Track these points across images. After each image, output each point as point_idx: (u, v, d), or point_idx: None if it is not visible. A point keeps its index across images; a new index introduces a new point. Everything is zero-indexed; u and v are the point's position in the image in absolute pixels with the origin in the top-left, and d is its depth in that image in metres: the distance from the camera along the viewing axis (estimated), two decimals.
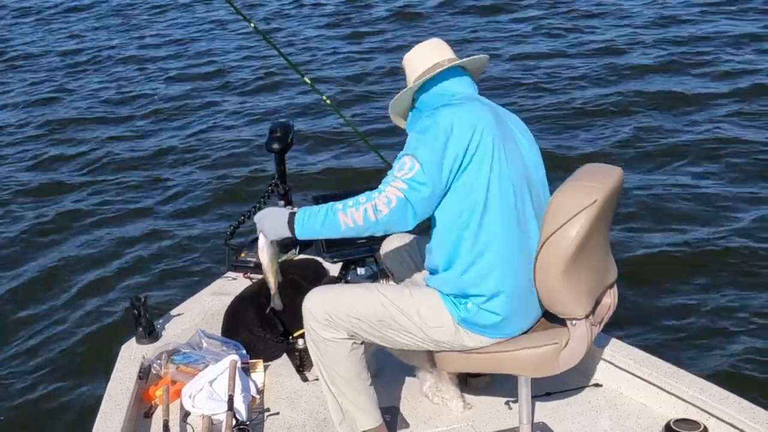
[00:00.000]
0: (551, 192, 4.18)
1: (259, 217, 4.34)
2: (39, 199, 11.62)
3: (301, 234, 4.13)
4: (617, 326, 4.97)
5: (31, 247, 10.19)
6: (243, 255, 6.30)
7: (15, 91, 16.57)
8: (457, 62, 4.38)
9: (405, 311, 4.24)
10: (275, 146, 6.21)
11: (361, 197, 3.99)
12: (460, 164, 4.03)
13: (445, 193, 4.07)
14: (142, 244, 9.94)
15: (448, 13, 18.43)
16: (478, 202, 4.08)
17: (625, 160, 10.87)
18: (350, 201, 4.01)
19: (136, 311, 5.58)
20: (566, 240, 3.97)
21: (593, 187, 4.04)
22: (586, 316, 4.18)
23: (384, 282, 4.99)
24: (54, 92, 16.17)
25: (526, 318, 4.31)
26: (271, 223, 4.25)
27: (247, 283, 6.05)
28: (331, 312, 4.25)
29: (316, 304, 4.29)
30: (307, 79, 6.68)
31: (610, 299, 4.48)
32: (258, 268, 6.11)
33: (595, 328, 4.35)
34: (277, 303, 4.71)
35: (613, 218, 4.41)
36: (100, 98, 15.55)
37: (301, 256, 6.17)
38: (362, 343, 4.36)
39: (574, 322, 4.18)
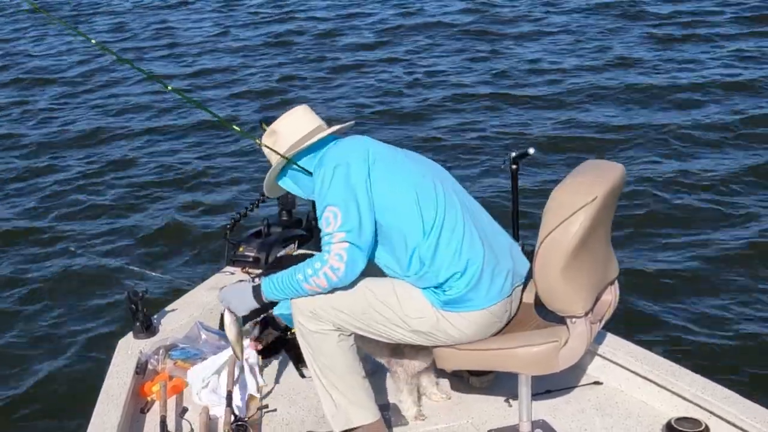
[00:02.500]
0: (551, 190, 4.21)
1: (223, 297, 4.57)
2: (36, 191, 11.64)
3: (274, 303, 4.63)
4: (618, 323, 4.96)
5: (26, 241, 10.21)
6: (241, 249, 6.32)
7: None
8: (332, 129, 4.60)
9: (387, 303, 4.31)
10: None
11: (315, 263, 4.21)
12: (371, 185, 4.25)
13: (379, 219, 4.26)
14: (139, 238, 9.96)
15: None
16: (410, 206, 4.28)
17: (626, 150, 10.92)
18: (308, 269, 4.23)
19: (133, 305, 5.60)
20: (566, 237, 3.98)
21: (593, 183, 4.05)
22: (586, 314, 4.19)
23: None
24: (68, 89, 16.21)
25: (506, 274, 4.37)
26: (237, 300, 4.50)
27: (246, 277, 6.07)
28: (316, 304, 4.32)
29: (302, 298, 4.35)
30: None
31: (611, 296, 4.50)
32: (256, 262, 6.16)
33: (595, 325, 4.37)
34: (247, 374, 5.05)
35: (614, 215, 4.43)
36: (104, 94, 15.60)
37: (300, 251, 6.20)
38: (350, 335, 4.42)
39: (573, 320, 4.20)
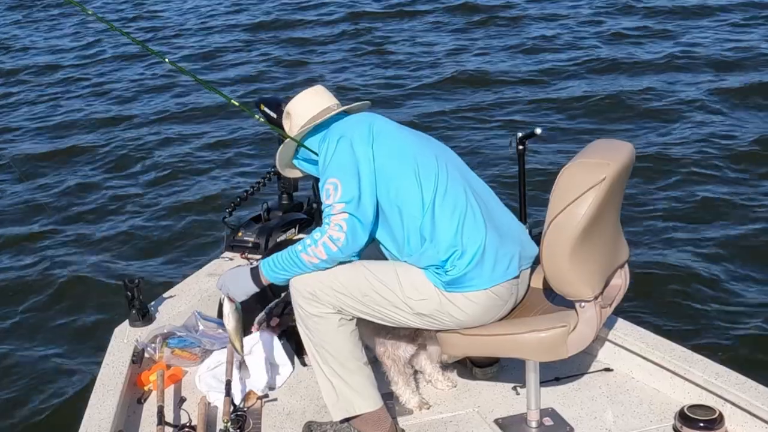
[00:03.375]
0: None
1: (221, 284, 4.57)
2: (32, 175, 11.65)
3: (274, 282, 4.43)
4: (629, 308, 4.97)
5: (20, 226, 10.21)
6: (240, 234, 6.31)
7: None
8: (342, 108, 4.64)
9: (388, 284, 4.30)
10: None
11: (315, 234, 4.24)
12: (374, 159, 4.29)
13: (380, 194, 4.30)
14: (135, 224, 9.96)
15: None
16: (410, 180, 4.30)
17: (636, 128, 10.91)
18: (307, 240, 4.25)
19: (129, 293, 5.59)
20: (574, 219, 3.97)
21: (602, 164, 4.03)
22: (596, 298, 4.17)
23: None
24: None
25: (512, 255, 4.36)
26: (234, 285, 4.50)
27: (245, 263, 6.06)
28: (315, 287, 4.30)
29: (302, 280, 4.35)
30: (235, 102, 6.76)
31: (621, 280, 4.49)
32: (256, 248, 6.15)
33: (605, 310, 4.35)
34: (245, 371, 4.98)
35: (624, 195, 4.41)
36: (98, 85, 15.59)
37: (301, 236, 6.19)
38: (352, 319, 4.40)
39: (582, 304, 4.18)
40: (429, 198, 4.27)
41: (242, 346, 4.73)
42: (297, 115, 4.64)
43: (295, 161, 4.76)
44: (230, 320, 4.59)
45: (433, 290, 4.28)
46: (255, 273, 4.40)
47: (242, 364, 4.88)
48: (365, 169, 4.26)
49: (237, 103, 4.92)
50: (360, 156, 4.28)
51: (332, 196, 4.20)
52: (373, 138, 4.35)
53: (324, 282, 4.29)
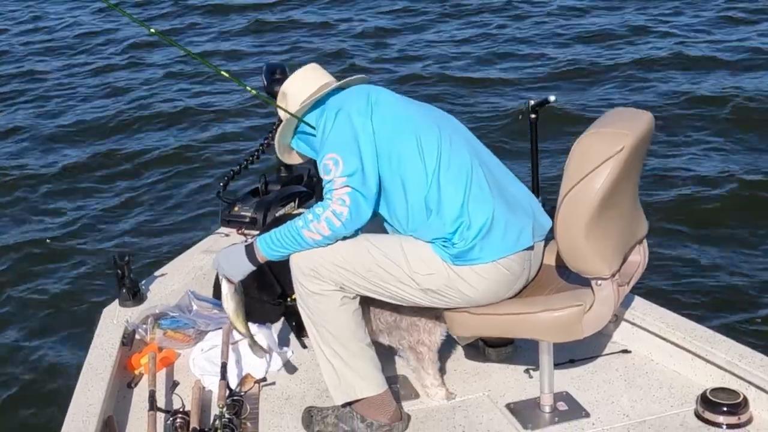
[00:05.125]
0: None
1: (217, 263, 4.54)
2: (18, 151, 11.66)
3: (272, 258, 4.41)
4: (648, 286, 4.96)
5: (5, 202, 10.22)
6: (236, 209, 6.31)
7: None
8: (341, 82, 4.65)
9: (394, 259, 4.30)
10: (277, 89, 6.21)
11: (317, 208, 4.23)
12: (373, 131, 4.30)
13: (381, 166, 4.30)
14: (126, 198, 9.96)
15: None
16: (412, 150, 4.31)
17: (656, 96, 10.88)
18: (309, 215, 4.24)
19: (119, 271, 5.59)
20: (589, 192, 3.95)
21: (619, 134, 4.00)
22: (613, 276, 4.16)
23: None
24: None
25: (523, 226, 4.35)
26: (229, 264, 4.47)
27: (241, 239, 6.05)
28: (317, 263, 4.30)
29: (302, 255, 4.34)
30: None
31: (640, 256, 4.48)
32: (253, 223, 6.15)
33: (622, 288, 4.34)
34: (259, 351, 4.80)
35: (643, 166, 4.39)
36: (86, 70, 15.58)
37: (301, 210, 6.18)
38: (354, 297, 4.39)
39: (599, 282, 4.17)
40: (432, 168, 4.27)
41: (247, 328, 4.67)
42: (293, 94, 4.64)
43: (293, 144, 4.76)
44: (229, 302, 4.55)
45: (441, 264, 4.27)
46: (250, 250, 4.38)
47: (253, 348, 4.79)
48: (365, 142, 4.26)
49: (227, 74, 4.94)
50: (359, 128, 4.28)
51: (333, 171, 4.20)
52: (371, 109, 4.35)
53: (326, 257, 4.29)
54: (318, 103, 4.55)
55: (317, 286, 4.33)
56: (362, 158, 4.22)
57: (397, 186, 4.30)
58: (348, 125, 4.29)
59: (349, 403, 4.49)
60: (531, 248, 4.38)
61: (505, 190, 4.39)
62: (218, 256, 4.55)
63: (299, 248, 4.29)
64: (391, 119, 4.35)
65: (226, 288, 4.52)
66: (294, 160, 4.91)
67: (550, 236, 4.43)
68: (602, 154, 3.95)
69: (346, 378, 4.43)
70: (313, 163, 5.95)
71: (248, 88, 5.10)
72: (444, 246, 4.26)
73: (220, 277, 4.54)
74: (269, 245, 4.33)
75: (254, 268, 4.43)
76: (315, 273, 4.31)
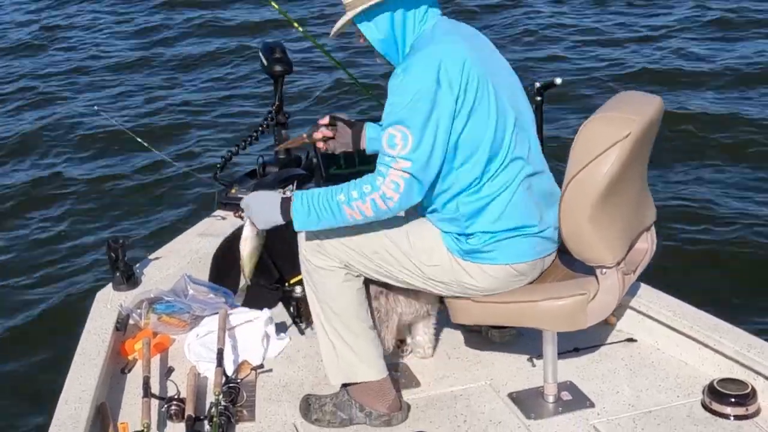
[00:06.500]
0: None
1: (246, 203, 4.39)
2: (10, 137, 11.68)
3: (300, 226, 4.21)
4: (654, 274, 4.93)
5: None
6: (234, 191, 6.30)
7: None
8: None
9: (400, 246, 4.30)
10: (277, 68, 6.22)
11: (364, 186, 4.02)
12: (457, 114, 4.03)
13: (449, 151, 4.08)
14: (120, 179, 9.96)
15: None
16: (481, 153, 4.10)
17: (665, 80, 10.87)
18: (353, 191, 4.03)
19: (113, 254, 5.58)
20: (595, 178, 3.96)
21: (627, 118, 4.00)
22: (618, 264, 4.18)
23: None
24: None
25: (548, 237, 4.31)
26: (260, 210, 4.31)
27: (239, 222, 6.04)
28: (323, 239, 4.31)
29: (310, 231, 4.33)
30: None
31: (647, 244, 4.49)
32: None
33: (628, 277, 4.35)
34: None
35: (651, 151, 4.39)
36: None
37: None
38: (358, 276, 4.39)
39: (603, 270, 4.18)
40: (487, 175, 4.14)
41: (251, 272, 4.57)
42: None
43: (361, 25, 4.23)
44: (246, 245, 4.47)
45: (446, 256, 4.27)
46: (286, 207, 4.19)
47: (239, 295, 4.79)
48: (443, 128, 4.00)
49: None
50: (444, 107, 3.98)
51: (398, 147, 3.96)
52: (464, 85, 4.01)
53: (333, 236, 4.29)
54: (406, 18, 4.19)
55: (322, 261, 4.35)
56: (434, 146, 3.99)
57: (447, 175, 4.15)
58: (434, 102, 3.97)
59: (347, 389, 4.51)
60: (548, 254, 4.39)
61: (547, 199, 4.30)
62: (251, 198, 4.40)
63: (333, 223, 4.14)
64: (478, 110, 4.06)
65: (248, 230, 4.44)
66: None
67: None
68: (609, 139, 3.95)
69: (346, 358, 4.44)
70: (314, 147, 5.95)
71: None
72: (457, 239, 4.25)
73: (245, 217, 4.43)
74: (304, 208, 4.14)
75: (282, 222, 4.23)
76: (321, 248, 4.33)
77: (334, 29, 4.31)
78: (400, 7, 4.17)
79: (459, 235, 4.24)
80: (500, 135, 4.12)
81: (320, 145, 4.78)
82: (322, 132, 4.74)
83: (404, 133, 3.96)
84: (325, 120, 4.76)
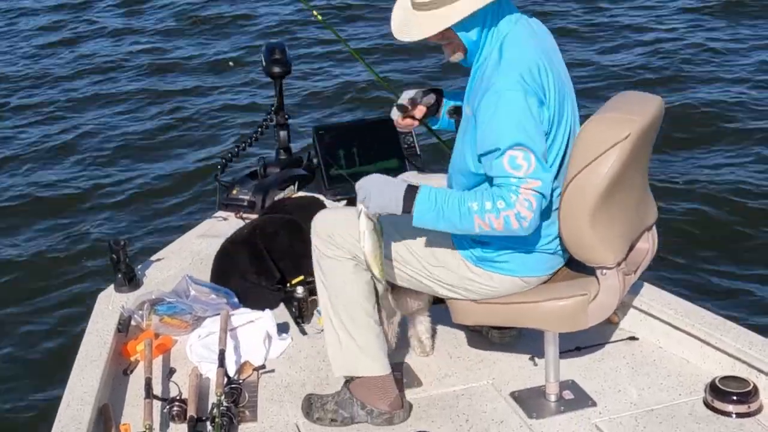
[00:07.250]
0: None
1: (362, 185, 4.12)
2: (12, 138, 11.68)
3: (418, 220, 4.03)
4: (656, 272, 4.96)
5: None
6: (235, 192, 6.31)
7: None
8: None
9: (409, 246, 4.33)
10: (276, 70, 6.24)
11: (499, 201, 3.86)
12: (542, 120, 3.96)
13: None
14: (121, 181, 9.96)
15: None
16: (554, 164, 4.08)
17: (667, 80, 10.87)
18: (487, 202, 3.88)
19: (114, 255, 5.59)
20: (595, 179, 3.97)
21: (627, 119, 4.02)
22: (618, 265, 4.19)
23: None
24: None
25: (563, 252, 4.32)
26: (379, 193, 4.05)
27: (240, 223, 6.06)
28: (334, 230, 4.34)
29: (322, 220, 4.41)
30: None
31: (648, 244, 4.50)
32: (251, 207, 6.15)
33: (629, 277, 4.37)
34: (387, 305, 4.62)
35: (652, 151, 4.41)
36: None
37: (300, 194, 6.20)
38: (366, 269, 4.32)
39: (604, 271, 4.19)
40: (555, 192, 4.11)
41: (381, 271, 4.17)
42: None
43: (458, 30, 4.07)
44: (367, 240, 4.09)
45: (456, 260, 4.30)
46: (410, 195, 4.00)
47: (387, 296, 4.52)
48: (541, 134, 3.93)
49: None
50: (537, 116, 3.91)
51: (523, 168, 3.84)
52: (546, 93, 3.98)
53: (344, 227, 4.32)
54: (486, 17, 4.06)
55: (332, 251, 4.37)
56: (553, 163, 4.03)
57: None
58: (535, 111, 3.92)
59: (349, 387, 4.52)
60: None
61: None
62: (368, 180, 4.13)
63: (453, 227, 4.01)
64: (552, 125, 4.03)
65: (364, 224, 4.08)
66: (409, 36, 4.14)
67: None
68: (608, 140, 3.97)
69: (349, 350, 4.45)
70: (314, 140, 5.93)
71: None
72: (471, 244, 4.26)
73: (358, 209, 4.10)
74: (429, 206, 3.98)
75: (398, 212, 4.03)
76: (331, 239, 4.35)
77: (426, 33, 4.07)
78: (489, 9, 4.05)
79: (475, 241, 4.24)
80: (564, 150, 4.11)
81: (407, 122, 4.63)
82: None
83: (525, 154, 3.84)
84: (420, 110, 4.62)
